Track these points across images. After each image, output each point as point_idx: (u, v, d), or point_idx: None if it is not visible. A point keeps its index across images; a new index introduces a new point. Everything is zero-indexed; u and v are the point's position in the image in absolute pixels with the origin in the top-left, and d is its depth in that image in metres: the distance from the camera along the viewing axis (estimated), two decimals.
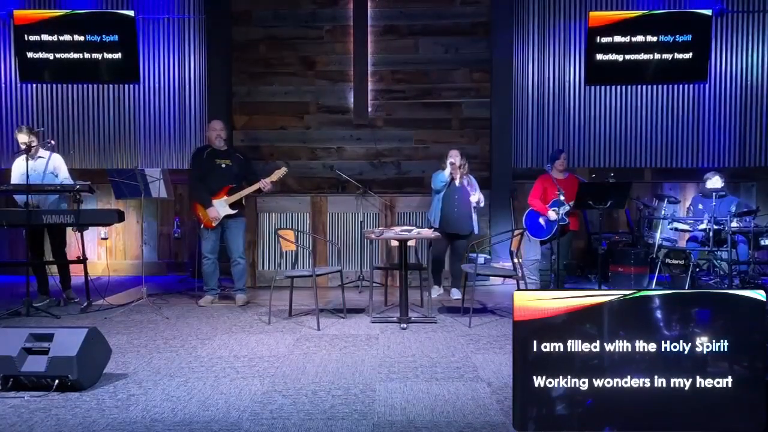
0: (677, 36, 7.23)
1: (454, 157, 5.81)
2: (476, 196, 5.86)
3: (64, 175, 5.68)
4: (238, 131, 7.54)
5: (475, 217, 5.94)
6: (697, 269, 6.15)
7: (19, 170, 5.53)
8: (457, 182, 5.89)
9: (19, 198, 5.51)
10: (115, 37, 7.37)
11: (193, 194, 5.74)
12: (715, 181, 6.31)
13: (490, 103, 7.35)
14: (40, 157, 5.60)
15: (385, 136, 7.49)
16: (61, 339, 3.26)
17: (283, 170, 5.63)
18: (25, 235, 5.50)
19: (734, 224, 5.82)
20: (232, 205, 5.51)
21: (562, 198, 5.46)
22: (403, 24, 7.42)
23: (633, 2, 7.37)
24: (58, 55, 7.44)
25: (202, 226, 5.56)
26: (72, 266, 5.78)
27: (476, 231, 5.98)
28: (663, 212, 6.61)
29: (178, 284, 6.78)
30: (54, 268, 5.73)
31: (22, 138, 5.38)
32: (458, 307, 5.27)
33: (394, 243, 5.45)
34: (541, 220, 5.70)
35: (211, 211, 5.46)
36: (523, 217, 5.95)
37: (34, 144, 5.49)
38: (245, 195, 5.57)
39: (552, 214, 5.54)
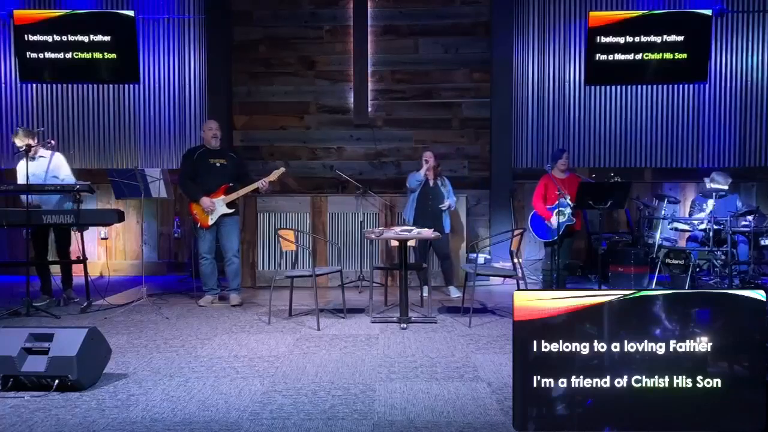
0: (677, 36, 7.23)
1: (429, 157, 5.99)
2: (446, 204, 5.94)
3: (65, 174, 5.66)
4: (238, 131, 7.55)
5: (447, 216, 6.05)
6: (697, 269, 6.15)
7: (22, 171, 5.53)
8: (431, 182, 6.02)
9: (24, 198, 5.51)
10: (115, 37, 7.37)
11: (184, 192, 5.74)
12: (721, 182, 6.31)
13: (490, 103, 7.35)
14: (41, 156, 5.60)
15: (385, 136, 7.50)
16: (61, 339, 3.26)
17: (281, 170, 5.62)
18: (25, 235, 5.50)
19: (743, 222, 5.87)
20: (229, 205, 5.50)
21: (567, 199, 5.44)
22: (403, 24, 7.42)
23: (633, 2, 7.37)
24: (58, 55, 7.44)
25: (198, 226, 5.55)
26: (72, 266, 5.78)
27: (447, 230, 6.07)
28: (663, 212, 6.60)
29: (178, 284, 6.78)
30: (56, 268, 5.73)
31: (19, 142, 5.38)
32: (458, 307, 5.27)
33: (394, 243, 5.45)
34: (548, 222, 5.68)
35: (204, 201, 5.42)
36: (529, 219, 5.93)
37: (33, 145, 5.48)
38: (243, 195, 5.57)
39: (555, 221, 5.51)
